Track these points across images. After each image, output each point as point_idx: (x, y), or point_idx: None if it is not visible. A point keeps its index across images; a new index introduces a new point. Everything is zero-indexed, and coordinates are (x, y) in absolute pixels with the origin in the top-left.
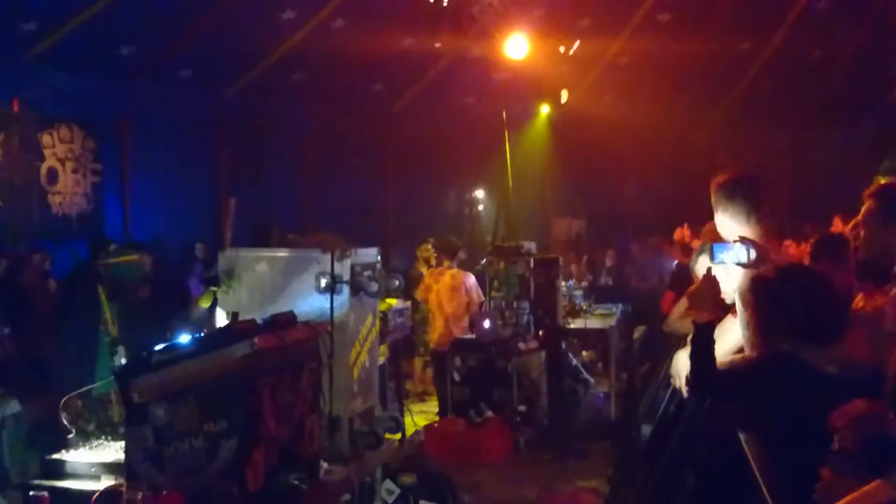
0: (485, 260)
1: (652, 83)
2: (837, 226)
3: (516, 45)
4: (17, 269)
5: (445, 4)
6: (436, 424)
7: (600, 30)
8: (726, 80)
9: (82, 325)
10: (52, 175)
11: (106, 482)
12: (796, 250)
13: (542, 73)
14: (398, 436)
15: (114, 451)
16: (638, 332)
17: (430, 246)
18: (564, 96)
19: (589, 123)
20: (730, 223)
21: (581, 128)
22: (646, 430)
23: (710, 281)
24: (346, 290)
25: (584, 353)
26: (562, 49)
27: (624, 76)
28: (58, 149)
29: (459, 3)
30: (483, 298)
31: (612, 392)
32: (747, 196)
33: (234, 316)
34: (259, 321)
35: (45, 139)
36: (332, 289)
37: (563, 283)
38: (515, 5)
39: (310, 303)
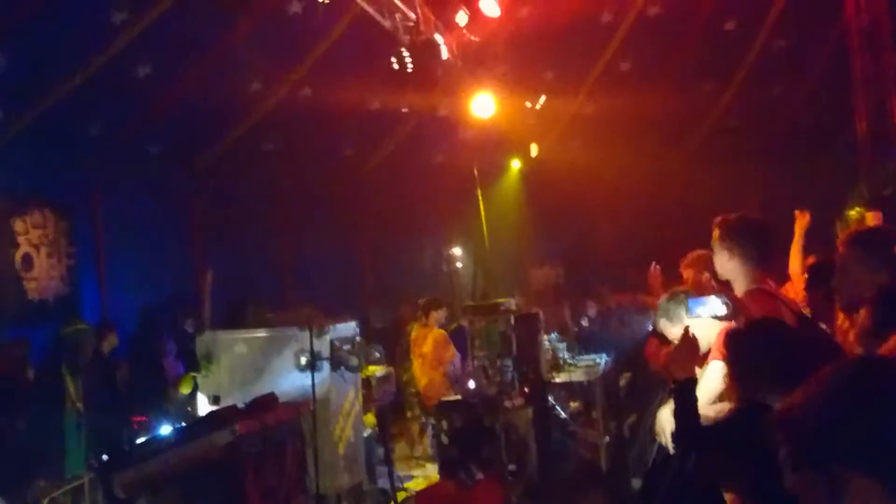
0: (454, 324)
1: (619, 129)
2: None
3: (483, 104)
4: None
5: (410, 70)
6: (428, 488)
7: (564, 82)
8: (691, 121)
9: (49, 407)
10: (27, 261)
11: None
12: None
13: (511, 128)
14: None
15: None
16: (624, 379)
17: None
18: (534, 149)
19: (560, 173)
20: (728, 264)
21: (553, 178)
22: (636, 483)
23: (688, 338)
24: (326, 366)
25: (571, 404)
26: (528, 104)
27: (591, 125)
28: (31, 234)
29: (424, 66)
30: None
31: (602, 443)
32: (745, 238)
33: (215, 399)
34: (240, 405)
35: (18, 225)
36: (312, 366)
37: (545, 337)
38: (479, 65)
39: (290, 381)
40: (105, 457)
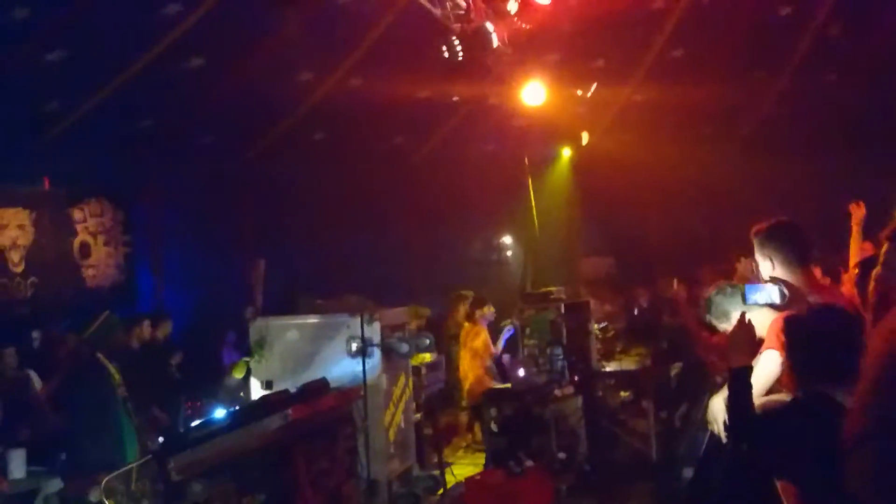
0: (507, 321)
1: (671, 118)
2: (867, 250)
3: (533, 92)
4: (53, 346)
5: (460, 58)
6: (477, 476)
7: (615, 70)
8: (744, 109)
9: (99, 397)
10: (85, 249)
11: None
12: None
13: (561, 117)
14: (439, 492)
15: None
16: (674, 369)
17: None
18: (585, 138)
19: (611, 163)
20: (771, 268)
21: (603, 167)
22: (687, 472)
23: (745, 325)
24: (377, 352)
25: (621, 394)
26: (579, 92)
27: (642, 113)
28: (89, 223)
29: (474, 55)
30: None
31: (652, 433)
32: (792, 240)
33: (268, 385)
34: (292, 390)
35: (77, 214)
36: (363, 353)
37: (595, 326)
38: (530, 53)
39: (342, 367)
40: (161, 439)
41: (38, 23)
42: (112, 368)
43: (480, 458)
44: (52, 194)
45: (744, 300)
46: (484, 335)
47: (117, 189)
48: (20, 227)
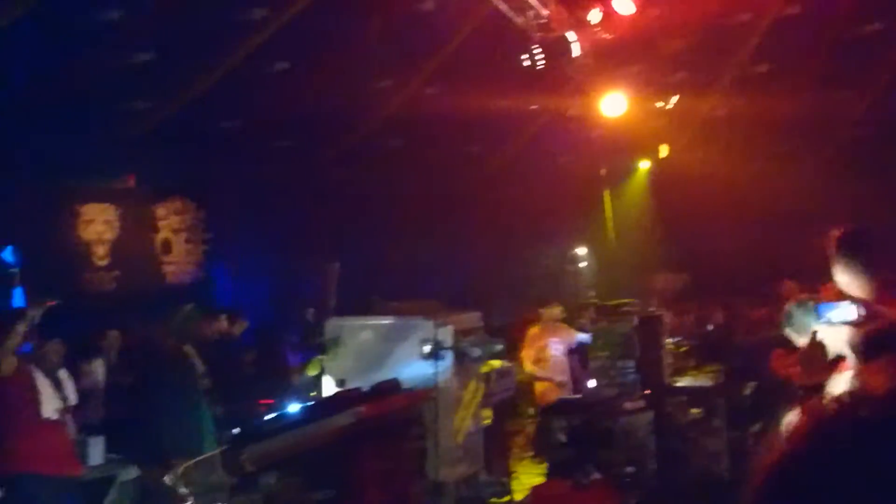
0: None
1: (752, 134)
2: None
3: (613, 103)
4: (136, 339)
5: (540, 67)
6: (542, 486)
7: (697, 83)
8: (828, 127)
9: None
10: (166, 246)
11: None
12: None
13: (641, 129)
14: (505, 499)
15: None
16: (748, 388)
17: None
18: (664, 151)
19: (689, 177)
20: (847, 278)
21: (682, 181)
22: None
23: (816, 343)
24: (449, 355)
25: (692, 410)
26: (659, 104)
27: (723, 127)
28: (171, 220)
29: (554, 64)
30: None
31: (724, 451)
32: (862, 250)
33: (340, 383)
34: (364, 388)
35: (160, 211)
36: (435, 355)
37: (668, 341)
38: (611, 63)
39: (413, 369)
40: (236, 431)
41: (128, 25)
42: (196, 360)
43: (544, 469)
44: (137, 192)
45: (817, 317)
46: (545, 342)
47: (199, 188)
48: (106, 222)
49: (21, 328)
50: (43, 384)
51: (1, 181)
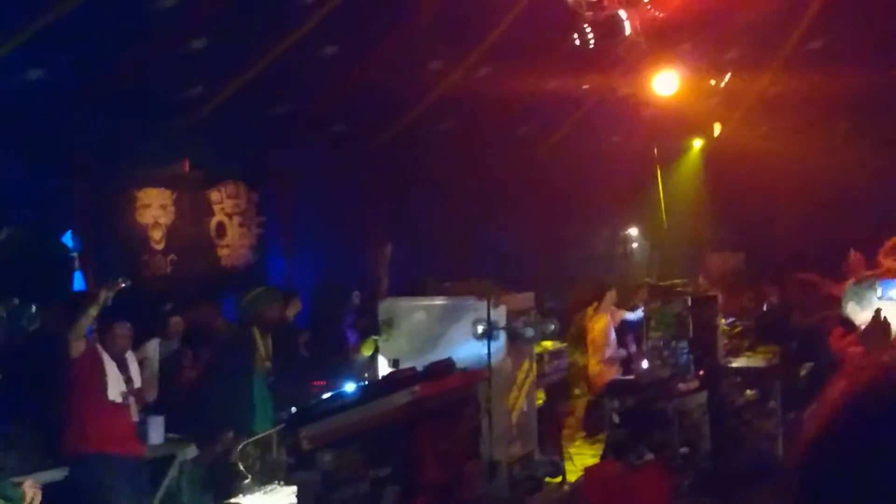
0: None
1: (807, 111)
2: None
3: (665, 82)
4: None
5: (591, 46)
6: (595, 467)
7: (751, 60)
8: (885, 105)
9: (240, 365)
10: (221, 229)
11: None
12: None
13: (693, 108)
14: (558, 479)
15: (285, 495)
16: (804, 369)
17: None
18: (717, 129)
19: (744, 155)
20: None
21: (736, 160)
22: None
23: (879, 321)
24: (502, 336)
25: (747, 392)
26: (712, 82)
27: (778, 105)
28: (225, 204)
29: (605, 43)
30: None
31: (779, 433)
32: None
33: (394, 363)
34: (418, 368)
35: (214, 195)
36: (488, 335)
37: (722, 321)
38: (663, 41)
39: (467, 349)
40: (293, 410)
41: (183, 12)
42: (261, 342)
43: (597, 450)
44: (191, 176)
45: (880, 295)
46: (604, 323)
47: (252, 172)
48: (162, 206)
49: (93, 311)
50: (109, 366)
51: (60, 167)
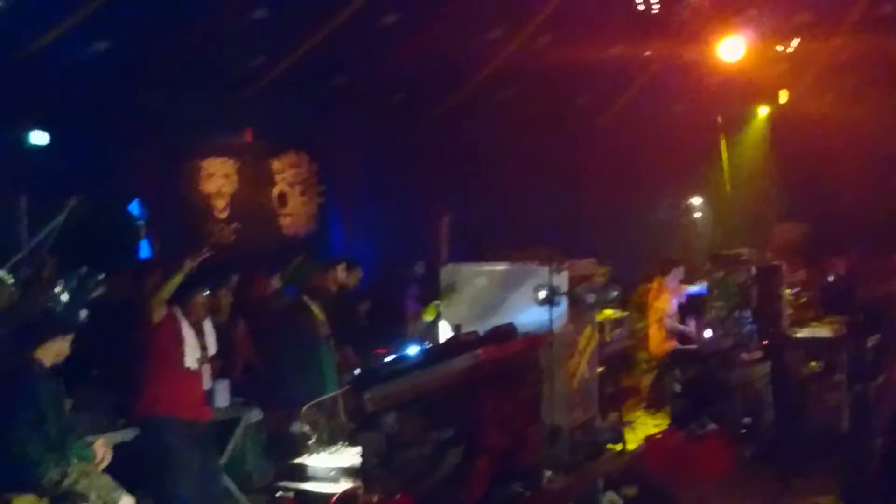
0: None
1: (877, 78)
2: None
3: (731, 48)
4: (248, 286)
5: (655, 12)
6: (657, 436)
7: (820, 25)
8: None
9: (302, 334)
10: (282, 199)
11: (343, 485)
12: None
13: (759, 75)
14: (619, 446)
15: (349, 455)
16: (871, 341)
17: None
18: (783, 97)
19: (811, 124)
20: None
21: (802, 128)
22: (878, 444)
23: None
24: (564, 301)
25: (811, 363)
26: (779, 48)
27: (847, 72)
28: (287, 174)
29: (669, 9)
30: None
31: (845, 405)
32: None
33: (456, 328)
34: (480, 333)
35: (276, 165)
36: (550, 301)
37: (787, 291)
38: (729, 6)
39: (528, 315)
40: (357, 372)
41: None
42: (315, 307)
43: (658, 420)
44: (254, 146)
45: None
46: (667, 295)
47: (313, 142)
48: (225, 176)
49: (177, 279)
50: (188, 333)
51: (126, 138)
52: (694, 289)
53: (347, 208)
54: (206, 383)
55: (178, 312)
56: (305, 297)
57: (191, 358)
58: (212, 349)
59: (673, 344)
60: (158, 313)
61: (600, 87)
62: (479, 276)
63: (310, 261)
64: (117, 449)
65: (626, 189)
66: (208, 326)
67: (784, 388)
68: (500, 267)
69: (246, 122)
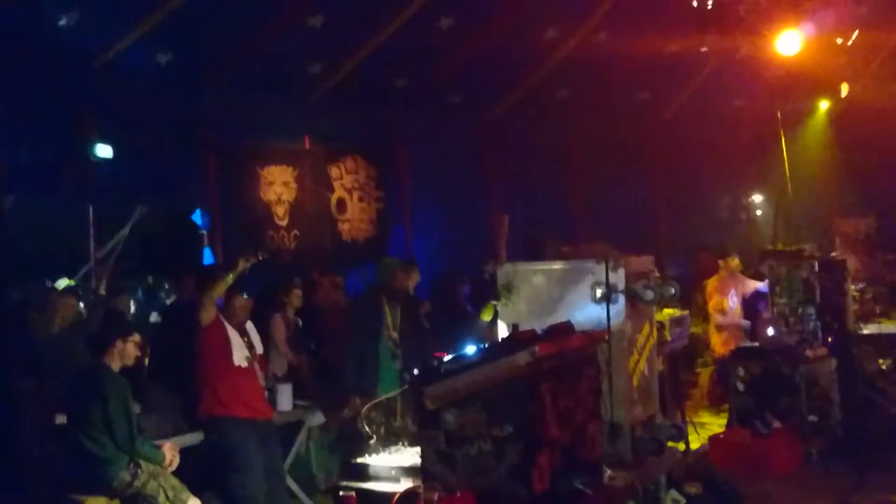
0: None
1: None
2: None
3: (788, 41)
4: (311, 290)
5: (710, 7)
6: (721, 435)
7: (880, 16)
8: None
9: (368, 336)
10: (341, 205)
11: (405, 484)
12: None
13: (819, 68)
14: (681, 444)
15: (410, 455)
16: None
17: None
18: (845, 90)
19: (874, 116)
20: None
21: (865, 122)
22: None
23: None
24: (621, 298)
25: (879, 360)
26: (839, 41)
27: None
28: (345, 180)
29: (725, 5)
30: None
31: None
32: None
33: (514, 327)
34: (538, 331)
35: (334, 171)
36: (607, 298)
37: (852, 287)
38: (785, 0)
39: (586, 312)
40: (416, 371)
41: None
42: (388, 310)
43: (721, 419)
44: (312, 152)
45: None
46: (725, 291)
47: (371, 147)
48: (285, 183)
49: (230, 278)
50: (232, 334)
51: (186, 148)
52: (760, 286)
53: (408, 211)
54: (261, 381)
55: (220, 315)
56: (383, 297)
57: (239, 356)
58: (258, 348)
59: (736, 341)
60: (209, 314)
61: (659, 84)
62: (535, 275)
63: (394, 261)
64: (183, 452)
65: (687, 185)
66: (251, 328)
67: (851, 384)
68: (557, 265)
69: (304, 129)
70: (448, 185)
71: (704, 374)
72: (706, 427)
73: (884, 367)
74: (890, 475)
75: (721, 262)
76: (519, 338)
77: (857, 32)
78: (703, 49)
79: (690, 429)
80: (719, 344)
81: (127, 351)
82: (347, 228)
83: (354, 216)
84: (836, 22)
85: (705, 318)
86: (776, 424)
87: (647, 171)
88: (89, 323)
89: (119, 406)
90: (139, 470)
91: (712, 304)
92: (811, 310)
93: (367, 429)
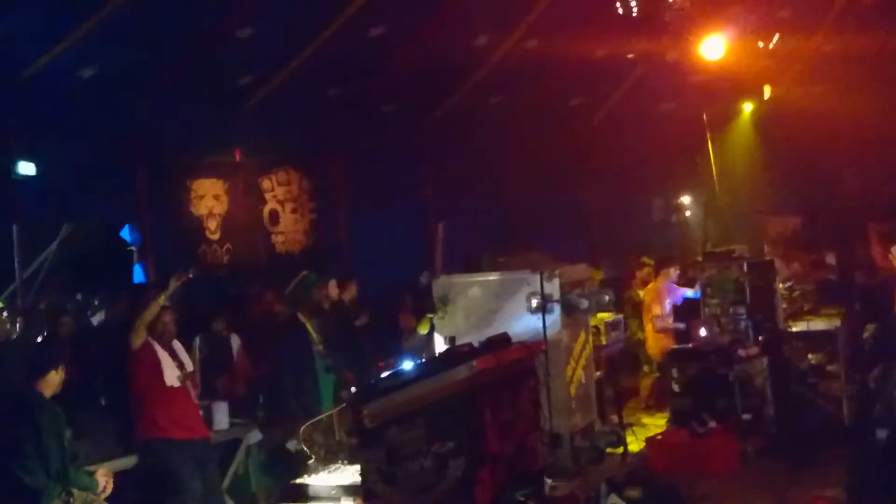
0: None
1: (863, 69)
2: None
3: (712, 46)
4: (247, 306)
5: (635, 14)
6: (658, 436)
7: (802, 19)
8: None
9: (297, 352)
10: (274, 217)
11: (346, 503)
12: None
13: (743, 71)
14: (620, 450)
15: (350, 473)
16: (868, 330)
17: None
18: (767, 92)
19: (798, 117)
20: None
21: (789, 123)
22: (881, 433)
23: None
24: (557, 308)
25: (810, 356)
26: (761, 44)
27: (831, 65)
28: (277, 192)
29: (650, 11)
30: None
31: (845, 396)
32: None
33: (451, 340)
34: (476, 344)
35: (265, 184)
36: (543, 308)
37: (781, 286)
38: (709, 5)
39: (523, 323)
40: (353, 389)
41: (228, 2)
42: (310, 326)
43: (659, 421)
44: (243, 165)
45: None
46: (662, 296)
47: (303, 158)
48: (216, 197)
49: (162, 300)
50: (162, 354)
51: (114, 164)
52: (689, 293)
53: (343, 222)
54: (194, 400)
55: (150, 338)
56: (300, 315)
57: (170, 376)
58: (189, 366)
59: (670, 344)
60: (140, 337)
61: (588, 91)
62: (471, 287)
63: (309, 277)
64: (118, 476)
65: (618, 190)
66: (178, 345)
67: (783, 382)
68: (493, 277)
69: (235, 142)
70: (385, 195)
71: (642, 377)
72: (646, 429)
73: (813, 361)
74: (824, 470)
75: (662, 272)
76: (457, 352)
77: (777, 36)
78: (631, 55)
79: (629, 432)
80: (655, 346)
81: (60, 379)
82: (282, 241)
83: (288, 228)
84: (758, 26)
85: (640, 323)
86: (712, 424)
87: (580, 176)
88: (24, 342)
89: (52, 435)
90: (72, 499)
91: (651, 315)
92: (741, 310)
93: (305, 448)
